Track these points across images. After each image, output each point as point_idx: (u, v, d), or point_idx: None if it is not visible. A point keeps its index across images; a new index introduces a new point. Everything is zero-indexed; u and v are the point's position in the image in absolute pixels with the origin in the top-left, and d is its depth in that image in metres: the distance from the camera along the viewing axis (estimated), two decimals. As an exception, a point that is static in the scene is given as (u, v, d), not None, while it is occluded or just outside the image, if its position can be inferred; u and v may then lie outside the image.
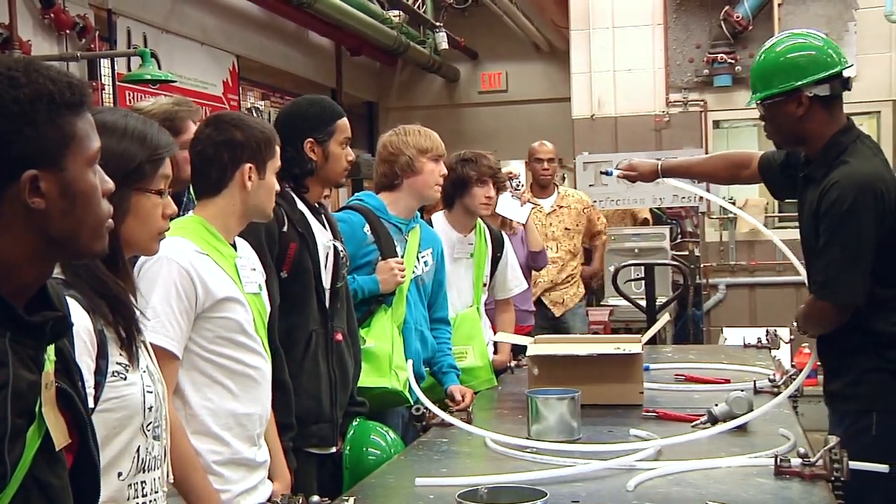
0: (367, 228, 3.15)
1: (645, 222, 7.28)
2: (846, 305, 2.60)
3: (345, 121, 2.83)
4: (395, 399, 3.08)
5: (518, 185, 4.77)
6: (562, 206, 5.84)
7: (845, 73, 2.74)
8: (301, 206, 2.72)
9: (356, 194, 2.98)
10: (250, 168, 2.28)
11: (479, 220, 3.98)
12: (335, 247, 2.77)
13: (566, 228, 5.81)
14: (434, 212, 3.98)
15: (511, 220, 4.80)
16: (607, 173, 3.42)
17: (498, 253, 4.04)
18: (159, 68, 5.02)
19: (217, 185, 2.29)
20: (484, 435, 2.59)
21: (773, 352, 3.95)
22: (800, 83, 2.68)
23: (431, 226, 3.83)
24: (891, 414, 2.61)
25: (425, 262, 3.37)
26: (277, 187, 2.38)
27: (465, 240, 3.89)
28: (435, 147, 3.30)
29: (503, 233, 4.24)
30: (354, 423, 2.85)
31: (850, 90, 2.76)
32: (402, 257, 3.21)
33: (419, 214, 3.41)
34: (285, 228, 2.63)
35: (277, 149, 2.36)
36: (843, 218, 2.57)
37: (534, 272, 5.12)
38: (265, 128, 2.37)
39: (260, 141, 2.31)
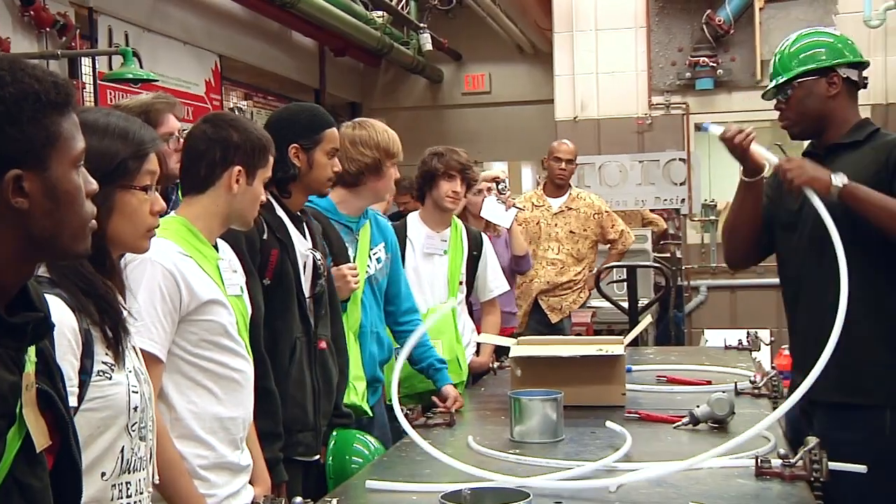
0: (320, 234, 3.10)
1: (650, 224, 7.27)
2: None
3: (334, 131, 2.82)
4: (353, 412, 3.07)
5: (503, 189, 4.71)
6: (570, 209, 5.73)
7: (862, 79, 2.79)
8: (281, 213, 2.71)
9: None
10: (239, 171, 2.27)
11: (455, 217, 4.01)
12: (313, 255, 2.75)
13: (571, 231, 5.70)
14: (410, 211, 4.03)
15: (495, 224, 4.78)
16: (702, 128, 3.13)
17: (475, 252, 4.06)
18: (141, 67, 4.99)
19: (204, 182, 2.27)
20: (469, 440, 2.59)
21: (754, 353, 3.98)
22: (836, 61, 2.73)
23: (406, 227, 3.84)
24: None
25: (378, 259, 3.33)
26: (264, 198, 2.37)
27: (438, 236, 3.92)
28: (398, 153, 3.27)
29: (483, 234, 4.25)
30: (335, 434, 2.84)
31: (866, 87, 2.81)
32: (355, 259, 3.18)
33: (368, 209, 3.37)
34: (266, 236, 2.61)
35: (271, 159, 2.35)
36: None
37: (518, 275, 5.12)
38: (263, 135, 2.35)
39: (255, 146, 2.29)
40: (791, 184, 2.61)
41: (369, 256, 3.30)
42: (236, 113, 6.87)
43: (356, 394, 3.07)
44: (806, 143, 2.92)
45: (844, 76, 2.72)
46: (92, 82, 5.52)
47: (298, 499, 2.01)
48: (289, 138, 2.71)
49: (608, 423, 2.59)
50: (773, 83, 2.80)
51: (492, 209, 4.66)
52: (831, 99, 2.72)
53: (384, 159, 3.22)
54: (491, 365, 3.73)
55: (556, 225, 5.70)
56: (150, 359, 2.01)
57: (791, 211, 2.78)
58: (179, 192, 2.51)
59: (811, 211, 2.62)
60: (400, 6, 8.95)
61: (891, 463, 2.52)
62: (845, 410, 2.63)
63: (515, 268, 4.93)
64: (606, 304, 5.99)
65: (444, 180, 3.86)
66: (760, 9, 7.11)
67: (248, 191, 2.29)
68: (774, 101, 2.83)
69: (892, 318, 2.64)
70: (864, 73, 2.81)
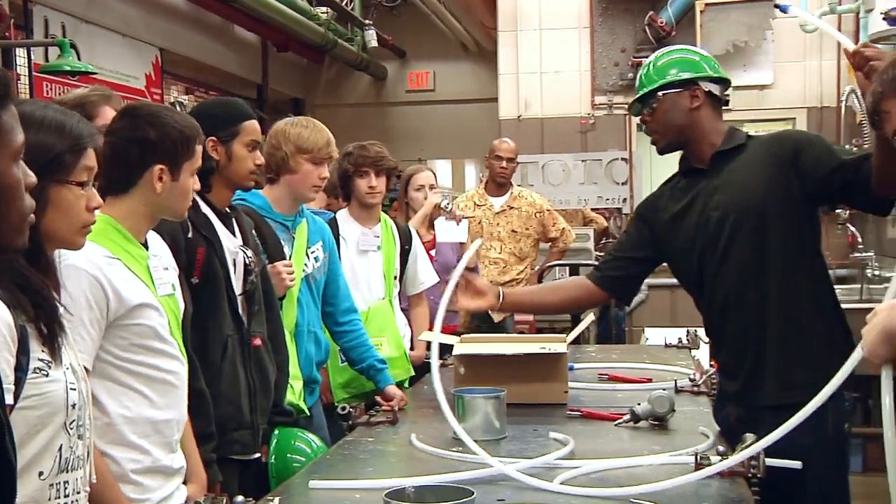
0: (253, 231, 3.06)
1: (591, 223, 7.32)
2: None
3: (253, 123, 2.78)
4: None
5: (447, 206, 4.67)
6: (512, 208, 5.75)
7: (724, 95, 2.85)
8: (206, 209, 2.68)
9: (238, 193, 2.88)
10: (161, 169, 2.20)
11: (384, 214, 4.07)
12: (243, 253, 2.73)
13: (513, 230, 5.72)
14: (336, 209, 4.04)
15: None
16: (781, 8, 3.01)
17: (406, 246, 4.10)
18: (79, 59, 4.90)
19: (125, 183, 2.20)
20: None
21: (693, 351, 4.03)
22: (698, 75, 2.79)
23: (337, 225, 3.84)
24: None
25: (315, 258, 3.33)
26: (198, 185, 2.33)
27: (371, 232, 3.95)
28: (316, 149, 3.20)
29: (410, 227, 4.28)
30: (276, 432, 2.82)
31: (727, 105, 2.89)
32: (292, 257, 3.16)
33: (304, 208, 3.36)
34: (191, 234, 2.58)
35: (198, 148, 2.29)
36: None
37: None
38: (184, 125, 2.27)
39: (176, 140, 2.22)
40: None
41: (307, 255, 3.28)
42: (177, 108, 6.78)
43: (293, 393, 3.06)
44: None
45: (707, 90, 2.78)
46: (27, 74, 5.41)
47: (240, 498, 1.99)
48: (205, 132, 2.68)
49: (552, 434, 2.60)
50: (637, 95, 2.86)
51: (444, 230, 4.66)
52: (694, 111, 2.77)
53: (294, 154, 3.19)
54: (424, 359, 3.74)
55: (498, 224, 5.73)
56: None
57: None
58: None
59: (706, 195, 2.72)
60: (344, 2, 8.91)
61: (828, 457, 2.57)
62: (789, 411, 2.68)
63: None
64: (549, 302, 6.02)
65: (359, 178, 3.90)
66: (701, 11, 7.22)
67: (175, 186, 2.23)
68: (641, 116, 2.88)
69: (824, 313, 2.69)
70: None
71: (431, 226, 4.72)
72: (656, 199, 2.93)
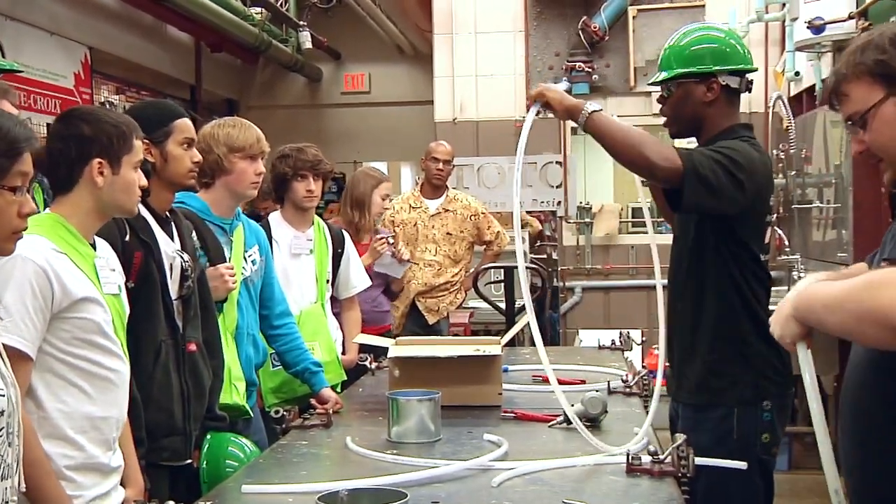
0: (193, 234, 3.04)
1: (525, 225, 7.34)
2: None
3: (185, 121, 2.76)
4: (234, 414, 3.03)
5: (390, 241, 4.78)
6: (448, 210, 5.76)
7: (749, 77, 2.84)
8: (145, 213, 2.65)
9: (178, 195, 2.87)
10: (100, 163, 2.22)
11: (317, 217, 4.06)
12: (180, 257, 2.70)
13: (448, 233, 5.73)
14: (270, 211, 4.01)
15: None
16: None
17: (339, 249, 4.11)
18: (3, 57, 4.78)
19: (68, 181, 2.23)
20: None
21: (626, 353, 4.09)
22: (717, 68, 2.77)
23: (269, 227, 3.82)
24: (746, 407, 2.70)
25: (253, 261, 3.32)
26: (144, 181, 2.32)
27: (304, 235, 3.96)
28: (248, 146, 3.20)
29: (343, 231, 4.29)
30: (209, 437, 2.79)
31: (750, 92, 2.87)
32: (230, 260, 3.14)
33: (240, 212, 3.35)
34: (128, 238, 2.55)
35: (137, 143, 2.30)
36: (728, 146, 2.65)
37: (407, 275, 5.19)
38: (119, 121, 2.30)
39: (112, 135, 2.24)
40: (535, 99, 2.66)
41: (244, 258, 3.27)
42: (107, 107, 6.67)
43: (238, 394, 3.04)
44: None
45: (724, 83, 2.77)
46: (-50, 72, 5.26)
47: (171, 503, 1.97)
48: None
49: (486, 437, 2.61)
50: (655, 78, 2.85)
51: (387, 264, 4.76)
52: (707, 105, 2.77)
53: (226, 154, 3.17)
54: (369, 365, 3.73)
55: (433, 227, 5.73)
56: (19, 356, 1.95)
57: None
58: None
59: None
60: (279, 3, 8.84)
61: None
62: (701, 412, 2.75)
63: (393, 288, 5.05)
64: (484, 304, 6.05)
65: (296, 181, 3.89)
66: (634, 17, 7.32)
67: (117, 180, 2.25)
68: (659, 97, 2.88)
69: (736, 316, 2.73)
70: (752, 76, 2.84)
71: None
72: None
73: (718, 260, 2.72)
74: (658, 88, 2.88)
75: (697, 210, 2.65)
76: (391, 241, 4.78)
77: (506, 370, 3.40)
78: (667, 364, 2.81)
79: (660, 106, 2.89)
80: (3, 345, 1.72)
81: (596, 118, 2.54)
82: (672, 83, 2.80)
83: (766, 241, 2.88)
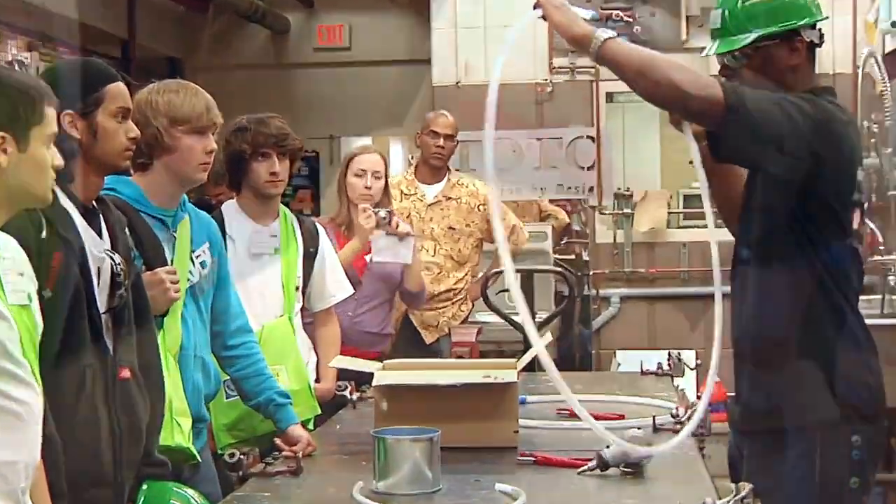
0: (126, 230, 2.97)
1: (549, 218, 7.34)
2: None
3: (119, 86, 2.76)
4: (178, 458, 3.02)
5: (386, 217, 4.57)
6: (449, 198, 5.76)
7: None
8: (66, 203, 2.65)
9: (107, 181, 2.84)
10: (2, 139, 2.20)
11: (283, 207, 4.03)
12: (111, 259, 2.70)
13: (450, 227, 5.72)
14: (224, 200, 4.01)
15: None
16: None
17: (312, 248, 4.09)
18: None
19: None
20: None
21: (677, 380, 4.09)
22: (801, 23, 2.77)
23: (223, 219, 3.81)
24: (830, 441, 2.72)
25: (202, 263, 3.30)
26: (59, 161, 2.31)
27: (266, 230, 3.96)
28: (194, 116, 3.19)
29: (318, 224, 4.26)
30: (145, 487, 2.79)
31: (820, 47, 2.86)
32: (173, 262, 3.14)
33: (186, 200, 3.33)
34: (44, 234, 2.55)
35: (50, 111, 2.29)
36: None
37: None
38: (25, 85, 2.28)
39: (16, 103, 2.22)
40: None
41: (191, 259, 3.26)
42: (15, 67, 6.67)
43: (181, 433, 3.02)
44: None
45: (808, 40, 2.78)
46: None
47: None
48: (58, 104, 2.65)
49: (497, 486, 2.61)
50: (722, 46, 2.83)
51: (384, 248, 4.62)
52: (791, 69, 2.79)
53: (167, 127, 3.16)
54: (349, 396, 3.73)
55: (431, 219, 5.72)
56: None
57: None
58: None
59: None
60: (234, -65, 8.86)
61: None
62: (770, 446, 2.77)
63: (406, 301, 5.02)
64: (495, 318, 6.05)
65: (256, 161, 3.89)
66: (685, -47, 7.34)
67: (24, 159, 2.22)
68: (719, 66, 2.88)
69: (818, 328, 2.76)
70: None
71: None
72: None
73: (799, 256, 2.72)
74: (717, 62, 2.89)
75: (742, 159, 2.66)
76: (383, 215, 4.56)
77: (523, 402, 3.40)
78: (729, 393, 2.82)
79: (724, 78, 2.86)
80: None
81: (612, 45, 2.56)
82: (748, 48, 2.79)
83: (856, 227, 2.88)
